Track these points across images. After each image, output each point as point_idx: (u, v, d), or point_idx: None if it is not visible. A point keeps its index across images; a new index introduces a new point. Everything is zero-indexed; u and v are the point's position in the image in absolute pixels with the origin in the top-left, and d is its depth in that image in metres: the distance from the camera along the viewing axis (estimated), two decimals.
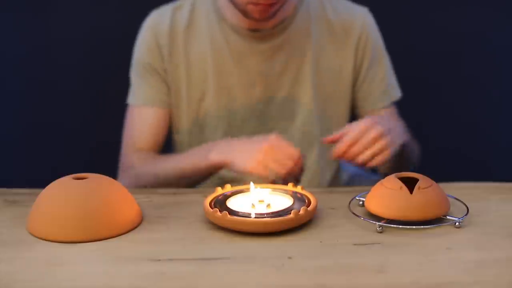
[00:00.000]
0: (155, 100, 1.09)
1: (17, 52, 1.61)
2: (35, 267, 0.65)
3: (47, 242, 0.72)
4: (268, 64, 1.07)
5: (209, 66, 1.07)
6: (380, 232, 0.73)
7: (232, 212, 0.74)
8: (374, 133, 0.83)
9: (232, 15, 1.05)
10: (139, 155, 1.08)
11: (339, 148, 0.84)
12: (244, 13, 0.99)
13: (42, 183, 0.80)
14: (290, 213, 0.72)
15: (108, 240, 0.72)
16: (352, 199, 0.84)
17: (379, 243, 0.70)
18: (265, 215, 0.74)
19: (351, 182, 1.21)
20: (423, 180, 0.77)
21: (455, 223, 0.74)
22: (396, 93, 1.14)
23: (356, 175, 1.25)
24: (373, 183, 0.83)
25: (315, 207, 0.76)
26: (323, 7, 1.10)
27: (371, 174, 1.30)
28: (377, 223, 0.73)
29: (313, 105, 1.09)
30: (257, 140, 0.90)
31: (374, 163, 0.83)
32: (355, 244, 0.70)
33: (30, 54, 1.61)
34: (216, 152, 0.93)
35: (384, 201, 0.76)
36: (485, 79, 1.62)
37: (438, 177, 0.95)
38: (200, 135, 1.11)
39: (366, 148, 0.83)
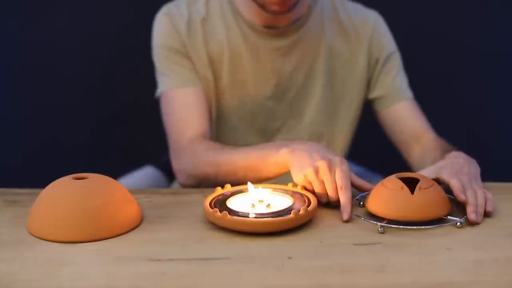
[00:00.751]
0: (192, 79, 1.06)
1: (17, 52, 1.60)
2: (35, 267, 0.65)
3: (47, 242, 0.72)
4: (282, 61, 1.08)
5: (226, 59, 1.08)
6: (382, 233, 0.73)
7: (232, 212, 0.74)
8: (482, 194, 0.79)
9: (247, 11, 1.06)
10: (200, 141, 1.02)
11: (476, 218, 0.76)
12: (263, 6, 0.99)
13: (42, 183, 0.80)
14: (290, 213, 0.72)
15: (108, 240, 0.72)
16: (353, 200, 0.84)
17: (379, 243, 0.70)
18: (265, 215, 0.73)
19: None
20: (424, 181, 0.77)
21: (456, 223, 0.74)
22: (409, 93, 1.14)
23: (357, 176, 1.25)
24: (373, 183, 0.83)
25: (315, 207, 0.76)
26: (335, 9, 1.11)
27: (371, 175, 1.30)
28: (379, 223, 0.73)
29: (322, 104, 1.10)
30: (322, 153, 0.82)
31: (491, 208, 0.79)
32: (355, 244, 0.70)
33: (30, 54, 1.61)
34: (287, 150, 0.85)
35: (385, 201, 0.76)
36: (485, 79, 1.62)
37: None
38: (214, 126, 1.12)
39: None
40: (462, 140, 1.65)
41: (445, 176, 0.81)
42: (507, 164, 1.61)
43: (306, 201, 0.78)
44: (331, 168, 0.80)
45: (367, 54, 1.11)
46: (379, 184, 0.79)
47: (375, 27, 1.12)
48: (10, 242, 0.72)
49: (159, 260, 0.66)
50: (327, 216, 0.79)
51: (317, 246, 0.70)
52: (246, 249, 0.69)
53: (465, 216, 0.76)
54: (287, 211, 0.74)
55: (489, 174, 0.96)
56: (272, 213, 0.74)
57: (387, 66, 1.12)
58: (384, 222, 0.74)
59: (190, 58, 1.07)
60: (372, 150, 1.58)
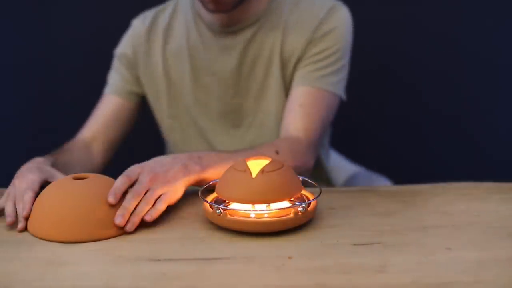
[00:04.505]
0: (119, 89, 1.13)
1: (17, 52, 1.61)
2: (35, 267, 0.65)
3: (47, 242, 0.72)
4: (239, 58, 1.08)
5: (185, 64, 1.10)
6: (219, 215, 0.73)
7: (232, 212, 0.74)
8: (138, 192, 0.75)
9: (206, 13, 1.07)
10: (72, 142, 1.08)
11: (120, 222, 0.73)
12: (203, 5, 1.00)
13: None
14: (290, 213, 0.72)
15: (108, 240, 0.72)
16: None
17: (379, 243, 0.70)
18: (265, 215, 0.73)
19: (351, 182, 1.22)
20: (271, 164, 0.75)
21: (298, 208, 0.73)
22: (318, 84, 1.02)
23: (355, 175, 1.25)
24: (375, 184, 0.83)
25: (315, 207, 0.76)
26: (297, 1, 1.08)
27: (371, 174, 1.30)
28: (217, 206, 0.73)
29: (283, 96, 1.08)
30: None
31: (148, 218, 0.75)
32: (355, 244, 0.70)
33: (30, 55, 1.61)
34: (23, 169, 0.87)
35: (228, 184, 0.75)
36: (485, 78, 1.62)
37: (439, 177, 0.96)
38: (180, 130, 1.14)
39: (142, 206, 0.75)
40: (462, 140, 1.65)
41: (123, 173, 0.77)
42: (507, 164, 1.61)
43: (306, 201, 0.78)
44: (18, 184, 0.80)
45: (307, 42, 1.04)
46: (230, 167, 0.78)
47: (324, 16, 1.04)
48: (10, 242, 0.72)
49: (159, 260, 0.66)
50: (327, 216, 0.79)
51: (317, 246, 0.70)
52: (246, 249, 0.69)
53: (308, 202, 0.74)
54: (287, 211, 0.74)
55: (489, 174, 0.96)
56: (272, 213, 0.74)
57: (311, 51, 1.04)
58: (223, 204, 0.74)
59: (137, 69, 1.12)
60: (373, 150, 1.58)
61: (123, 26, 1.19)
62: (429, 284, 0.59)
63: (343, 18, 1.06)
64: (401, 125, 1.60)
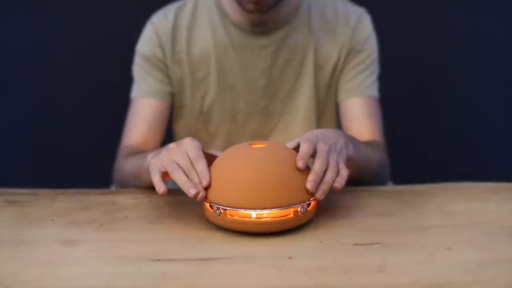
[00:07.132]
0: (156, 91, 1.09)
1: (17, 52, 1.61)
2: (35, 267, 0.65)
3: (47, 242, 0.72)
4: (271, 59, 1.08)
5: (212, 63, 1.09)
6: (219, 215, 0.72)
7: (232, 212, 0.74)
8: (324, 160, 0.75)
9: (234, 11, 1.06)
10: (124, 149, 1.06)
11: (313, 187, 0.73)
12: (240, 4, 1.00)
13: (42, 183, 0.80)
14: (290, 213, 0.72)
15: (108, 240, 0.72)
16: None
17: (379, 243, 0.70)
18: (265, 215, 0.73)
19: None
20: None
21: (299, 210, 0.72)
22: (370, 92, 1.10)
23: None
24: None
25: (315, 207, 0.76)
26: (324, 5, 1.11)
27: None
28: (217, 205, 0.72)
29: (313, 99, 1.10)
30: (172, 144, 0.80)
31: (339, 185, 0.75)
32: (355, 244, 0.70)
33: (30, 55, 1.61)
34: (152, 155, 0.82)
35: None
36: (486, 78, 1.62)
37: (438, 177, 0.96)
38: (204, 131, 1.13)
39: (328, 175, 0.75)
40: (462, 140, 1.65)
41: (301, 140, 0.76)
42: (507, 164, 1.61)
43: (306, 201, 0.78)
44: (180, 149, 0.77)
45: (347, 49, 1.10)
46: None
47: (356, 24, 1.10)
48: (10, 242, 0.72)
49: (159, 260, 0.66)
50: (327, 216, 0.79)
51: (317, 246, 0.70)
52: (246, 249, 0.69)
53: (308, 201, 0.74)
54: (287, 211, 0.74)
55: (489, 174, 0.96)
56: (272, 213, 0.74)
57: (354, 61, 1.10)
58: (222, 206, 0.73)
59: (167, 68, 1.09)
60: None
61: (123, 26, 1.18)
62: (429, 284, 0.59)
63: (370, 24, 1.13)
64: (400, 125, 1.60)
